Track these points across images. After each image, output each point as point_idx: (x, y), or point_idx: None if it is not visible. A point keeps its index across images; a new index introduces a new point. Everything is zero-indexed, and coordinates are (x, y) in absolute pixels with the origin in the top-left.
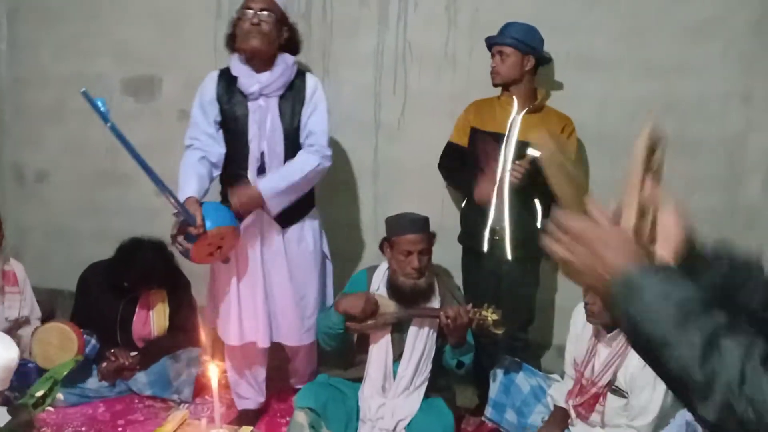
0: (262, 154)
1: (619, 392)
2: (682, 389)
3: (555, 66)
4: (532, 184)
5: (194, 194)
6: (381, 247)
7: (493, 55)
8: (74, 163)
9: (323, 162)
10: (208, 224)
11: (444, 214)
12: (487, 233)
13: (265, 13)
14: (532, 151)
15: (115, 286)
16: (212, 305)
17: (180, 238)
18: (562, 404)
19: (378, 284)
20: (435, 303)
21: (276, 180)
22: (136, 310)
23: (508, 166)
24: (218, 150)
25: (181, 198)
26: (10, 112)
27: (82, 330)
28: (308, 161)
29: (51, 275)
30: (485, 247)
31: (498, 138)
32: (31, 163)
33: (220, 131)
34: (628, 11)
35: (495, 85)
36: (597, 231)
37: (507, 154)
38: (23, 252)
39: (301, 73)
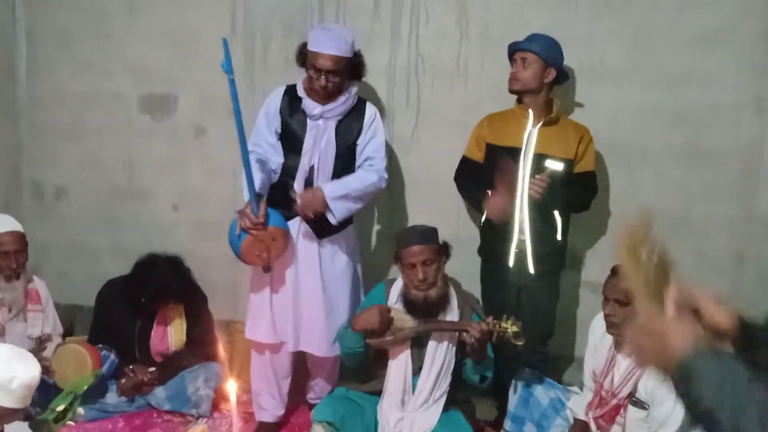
0: (312, 167)
1: (640, 404)
2: None
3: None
4: (550, 196)
5: (259, 190)
6: (395, 261)
7: (514, 61)
8: (91, 179)
9: (381, 182)
10: (276, 222)
11: (460, 225)
12: (513, 247)
13: (331, 75)
14: (550, 164)
15: (132, 302)
16: (250, 308)
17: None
18: (582, 417)
19: (395, 298)
20: (452, 315)
21: (337, 185)
22: (154, 326)
23: (527, 180)
24: (277, 159)
25: (246, 194)
26: (28, 130)
27: (100, 346)
28: (368, 176)
29: (70, 291)
30: (511, 262)
31: (515, 152)
32: (50, 181)
33: (279, 142)
34: (639, 21)
35: (512, 92)
36: (663, 319)
37: (525, 168)
38: (42, 268)
39: (361, 101)
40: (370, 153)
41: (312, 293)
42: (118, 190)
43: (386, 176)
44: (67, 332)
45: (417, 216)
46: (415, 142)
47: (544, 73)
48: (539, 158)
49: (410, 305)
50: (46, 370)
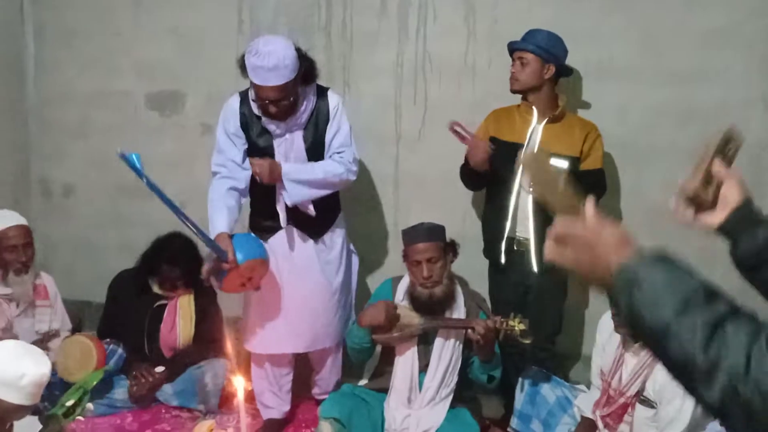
0: None
1: (648, 402)
2: (686, 375)
3: (574, 75)
4: None
5: (225, 229)
6: (403, 259)
7: (513, 61)
8: (99, 177)
9: (348, 174)
10: (239, 257)
11: (466, 224)
12: (503, 244)
13: (282, 100)
14: (555, 162)
15: (143, 286)
16: (245, 318)
17: (212, 276)
18: (589, 415)
19: (402, 295)
20: (459, 313)
21: (298, 169)
22: (164, 317)
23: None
24: (245, 174)
25: (213, 233)
26: (36, 128)
27: (108, 340)
28: (335, 167)
29: (78, 287)
30: (503, 259)
31: (517, 148)
32: (58, 178)
33: (246, 159)
34: (646, 19)
35: (513, 92)
36: (587, 230)
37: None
38: (51, 265)
39: (322, 92)
40: (338, 147)
41: (316, 291)
42: (125, 187)
43: (355, 168)
44: (76, 328)
45: (423, 214)
46: (422, 140)
47: (543, 70)
48: None
49: (416, 302)
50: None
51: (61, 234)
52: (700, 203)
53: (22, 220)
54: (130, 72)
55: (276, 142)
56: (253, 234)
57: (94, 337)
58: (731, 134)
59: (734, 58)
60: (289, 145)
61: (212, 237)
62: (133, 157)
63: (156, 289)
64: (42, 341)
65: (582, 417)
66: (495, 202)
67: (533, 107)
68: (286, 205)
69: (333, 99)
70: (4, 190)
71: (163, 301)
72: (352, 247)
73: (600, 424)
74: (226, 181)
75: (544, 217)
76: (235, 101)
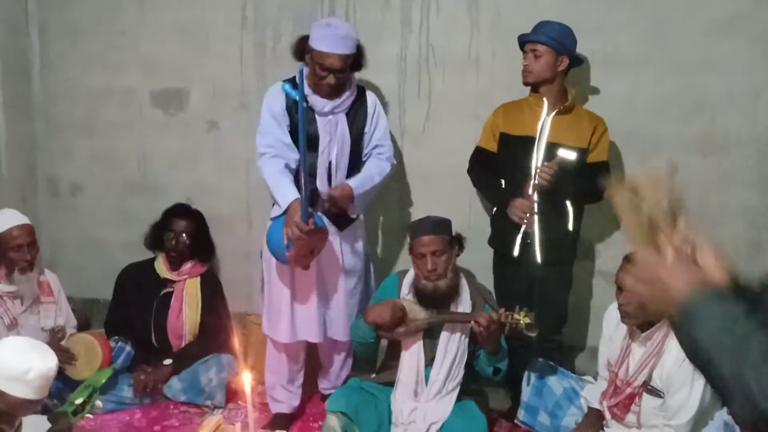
0: (330, 163)
1: (655, 392)
2: (728, 398)
3: (581, 65)
4: (562, 185)
5: (297, 196)
6: (410, 252)
7: (525, 53)
8: (105, 175)
9: (392, 170)
10: (318, 221)
11: (472, 217)
12: (519, 238)
13: (340, 72)
14: (562, 153)
15: (151, 263)
16: (266, 306)
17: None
18: (597, 405)
19: (408, 289)
20: (465, 306)
21: (363, 180)
22: (171, 303)
23: (538, 167)
24: (294, 156)
25: (284, 203)
26: (42, 126)
27: (116, 338)
28: (383, 167)
29: (85, 285)
30: (516, 252)
31: (529, 142)
32: (65, 176)
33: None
34: (653, 9)
35: (525, 84)
36: (662, 264)
37: (538, 157)
38: (58, 263)
39: (360, 89)
40: (378, 140)
41: (336, 284)
42: (131, 184)
43: (395, 162)
44: (84, 326)
45: (428, 208)
46: (427, 134)
47: (556, 62)
48: (552, 147)
49: (420, 295)
50: (66, 357)
51: (68, 232)
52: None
53: (24, 219)
54: (134, 69)
55: (320, 122)
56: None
57: (99, 335)
58: (677, 206)
59: (740, 48)
60: (333, 127)
61: (284, 207)
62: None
63: (162, 271)
64: (49, 338)
65: (589, 408)
66: (511, 193)
67: (543, 99)
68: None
69: (371, 96)
70: (11, 188)
71: (170, 289)
72: (369, 252)
73: (607, 415)
74: (277, 160)
75: (552, 210)
76: (278, 86)
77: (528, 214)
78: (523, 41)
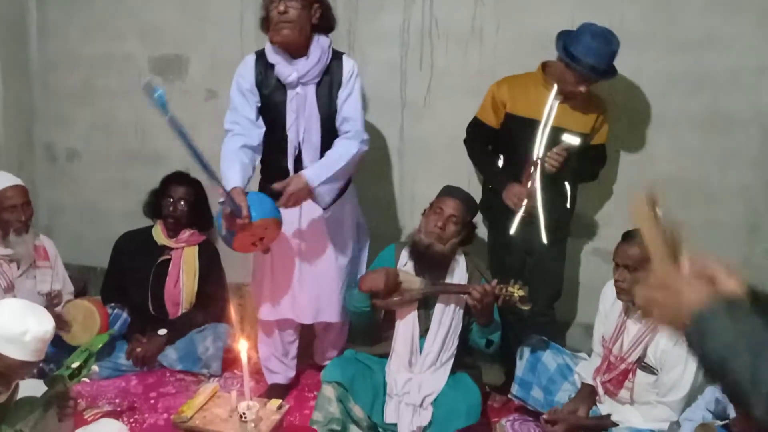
0: (299, 142)
1: (649, 369)
2: (741, 397)
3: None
4: (564, 168)
5: (239, 184)
6: (424, 212)
7: (584, 80)
8: (104, 142)
9: (362, 147)
10: (253, 215)
11: (471, 191)
12: (519, 217)
13: (293, 2)
14: (567, 138)
15: (149, 231)
16: (253, 283)
17: (223, 233)
18: (590, 381)
19: (405, 260)
20: (461, 279)
21: (320, 169)
22: (168, 270)
23: (541, 151)
24: (258, 133)
25: (228, 186)
26: (40, 93)
27: (113, 305)
28: (349, 148)
29: (83, 252)
30: (513, 230)
31: (534, 125)
32: (62, 144)
33: (260, 117)
34: None
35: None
36: (676, 278)
37: (541, 141)
38: (56, 230)
39: (337, 56)
40: (347, 113)
41: (324, 263)
42: (130, 152)
43: (366, 137)
44: (81, 293)
45: (427, 181)
46: (428, 107)
47: None
48: (556, 131)
49: (413, 249)
50: (61, 324)
51: (65, 199)
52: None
53: (18, 181)
54: (133, 36)
55: (289, 95)
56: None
57: (96, 301)
58: (653, 197)
59: (746, 25)
60: (301, 100)
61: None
62: (159, 91)
63: (160, 238)
64: (46, 303)
65: (582, 383)
66: (508, 173)
67: (554, 84)
68: (295, 166)
69: (348, 63)
70: (9, 155)
71: (167, 257)
72: (363, 224)
73: (600, 390)
74: (239, 138)
75: (554, 190)
76: (251, 59)
77: (524, 201)
78: (590, 73)
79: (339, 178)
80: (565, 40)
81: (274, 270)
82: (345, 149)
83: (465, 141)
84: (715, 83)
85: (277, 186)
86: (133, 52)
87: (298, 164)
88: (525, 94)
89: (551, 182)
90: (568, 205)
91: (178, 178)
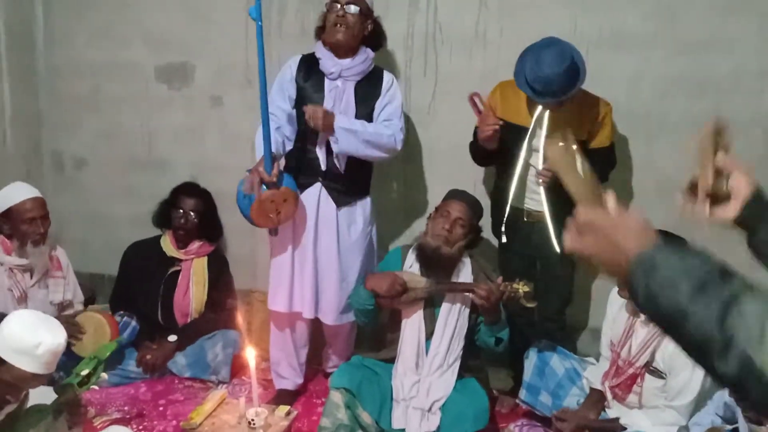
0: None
1: (657, 373)
2: (703, 353)
3: (587, 44)
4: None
5: (275, 151)
6: (430, 216)
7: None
8: (110, 150)
9: (394, 142)
10: (287, 183)
11: (476, 195)
12: (503, 225)
13: (351, 6)
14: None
15: (157, 240)
16: (270, 277)
17: (245, 193)
18: (598, 386)
19: (411, 262)
20: (466, 280)
21: (350, 120)
22: (178, 281)
23: (538, 155)
24: (291, 127)
25: (259, 154)
26: (47, 100)
27: (122, 312)
28: (383, 128)
29: (90, 260)
30: (503, 238)
31: (521, 131)
32: (69, 151)
33: (294, 110)
34: None
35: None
36: (609, 219)
37: (536, 144)
38: (63, 238)
39: (378, 69)
40: (387, 115)
41: (328, 260)
42: (136, 160)
43: (402, 137)
44: (89, 301)
45: (432, 187)
46: (433, 113)
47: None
48: None
49: (421, 251)
50: (74, 330)
51: (73, 207)
52: (712, 198)
53: (36, 192)
54: (139, 43)
55: (328, 85)
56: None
57: (106, 313)
58: (720, 126)
59: (748, 27)
60: (339, 94)
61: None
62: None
63: (170, 249)
64: (57, 312)
65: (591, 388)
66: (501, 179)
67: None
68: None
69: (388, 75)
70: (16, 162)
71: (177, 268)
72: (374, 241)
73: (609, 395)
74: (274, 123)
75: (556, 197)
76: (297, 57)
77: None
78: (543, 99)
79: (362, 140)
80: (518, 63)
81: (294, 263)
82: (379, 126)
83: (470, 148)
84: (718, 86)
85: (319, 156)
86: (138, 59)
87: (330, 157)
88: (516, 101)
89: (560, 187)
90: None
91: (188, 189)
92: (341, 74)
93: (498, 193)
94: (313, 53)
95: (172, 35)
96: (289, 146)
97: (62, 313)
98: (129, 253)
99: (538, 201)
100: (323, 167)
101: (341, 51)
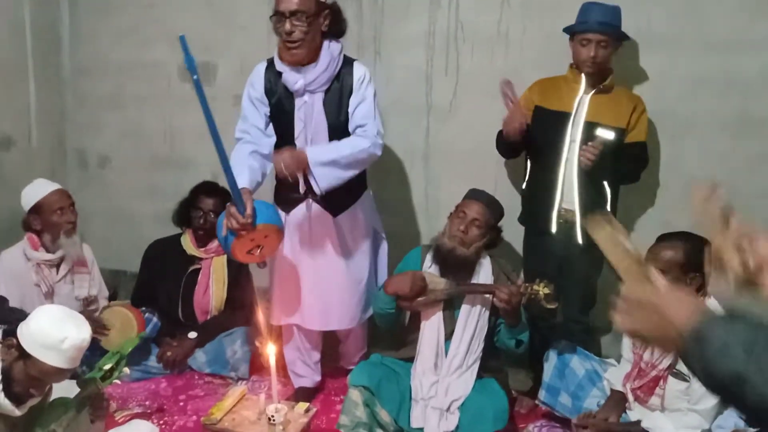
0: None
1: (681, 375)
2: (764, 415)
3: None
4: (601, 166)
5: (246, 185)
6: (450, 215)
7: (587, 42)
8: (133, 148)
9: (374, 148)
10: (257, 219)
11: (498, 194)
12: (554, 214)
13: (295, 19)
14: (601, 132)
15: (178, 239)
16: (270, 288)
17: (224, 229)
18: (619, 388)
19: (430, 262)
20: (486, 281)
21: (324, 149)
22: (198, 279)
23: (575, 147)
24: (269, 142)
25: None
26: (72, 99)
27: (143, 309)
28: (357, 143)
29: (113, 257)
30: (554, 228)
31: (564, 117)
32: (93, 149)
33: (270, 125)
34: None
35: (587, 74)
36: (658, 296)
37: (574, 134)
38: (87, 235)
39: (348, 62)
40: (360, 120)
41: (333, 270)
42: (159, 158)
43: (380, 142)
44: (112, 297)
45: (454, 186)
46: (453, 111)
47: (616, 49)
48: (590, 126)
49: (437, 252)
50: (99, 329)
51: (96, 204)
52: (745, 268)
53: (56, 185)
54: (163, 43)
55: (297, 103)
56: (274, 205)
57: (132, 307)
58: (726, 211)
59: None
60: (309, 109)
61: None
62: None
63: (190, 248)
64: (82, 308)
65: (612, 390)
66: (544, 171)
67: (582, 76)
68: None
69: (359, 69)
70: (41, 160)
71: (197, 266)
72: (381, 232)
73: (630, 397)
74: (248, 146)
75: (592, 191)
76: (261, 67)
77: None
78: (587, 30)
79: (341, 167)
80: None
81: (282, 276)
82: (353, 142)
83: (497, 144)
84: (745, 85)
85: (274, 154)
86: (162, 58)
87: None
88: (556, 90)
89: (590, 182)
90: (608, 207)
91: (208, 189)
92: (306, 88)
93: (534, 185)
94: (273, 58)
95: (195, 35)
96: (269, 166)
97: (87, 308)
98: (150, 251)
99: (569, 200)
100: (302, 191)
101: (302, 63)
